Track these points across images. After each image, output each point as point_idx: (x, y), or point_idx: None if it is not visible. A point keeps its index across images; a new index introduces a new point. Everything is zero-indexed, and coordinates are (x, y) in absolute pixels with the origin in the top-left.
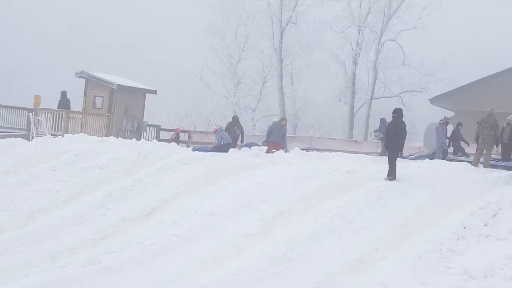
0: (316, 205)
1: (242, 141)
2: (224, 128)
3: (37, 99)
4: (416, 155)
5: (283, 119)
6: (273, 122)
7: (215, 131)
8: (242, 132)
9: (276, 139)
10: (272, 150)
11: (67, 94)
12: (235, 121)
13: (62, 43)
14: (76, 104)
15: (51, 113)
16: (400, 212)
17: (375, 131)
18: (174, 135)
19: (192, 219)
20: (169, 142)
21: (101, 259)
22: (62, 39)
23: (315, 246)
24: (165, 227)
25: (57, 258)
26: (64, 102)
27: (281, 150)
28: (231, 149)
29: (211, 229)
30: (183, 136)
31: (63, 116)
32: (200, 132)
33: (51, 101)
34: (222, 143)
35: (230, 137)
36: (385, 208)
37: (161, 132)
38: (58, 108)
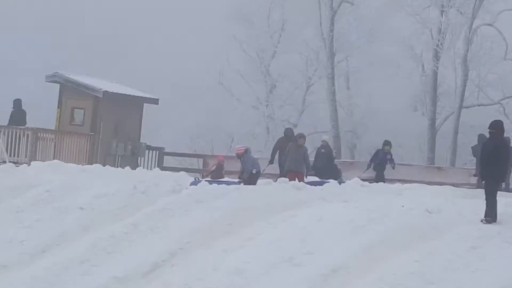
0: (383, 258)
1: None
2: (273, 146)
3: None
4: None
5: (301, 136)
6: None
7: (242, 154)
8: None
9: (293, 165)
10: None
11: (23, 103)
12: (288, 136)
13: (28, 36)
14: (47, 118)
15: (11, 132)
16: (504, 267)
17: None
18: (215, 166)
19: (210, 279)
20: (206, 175)
21: None
22: (28, 31)
23: None
24: None
25: None
26: (18, 115)
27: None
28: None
29: None
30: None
31: (30, 136)
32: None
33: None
34: (254, 171)
35: (285, 158)
36: (482, 262)
37: (165, 157)
38: (9, 123)
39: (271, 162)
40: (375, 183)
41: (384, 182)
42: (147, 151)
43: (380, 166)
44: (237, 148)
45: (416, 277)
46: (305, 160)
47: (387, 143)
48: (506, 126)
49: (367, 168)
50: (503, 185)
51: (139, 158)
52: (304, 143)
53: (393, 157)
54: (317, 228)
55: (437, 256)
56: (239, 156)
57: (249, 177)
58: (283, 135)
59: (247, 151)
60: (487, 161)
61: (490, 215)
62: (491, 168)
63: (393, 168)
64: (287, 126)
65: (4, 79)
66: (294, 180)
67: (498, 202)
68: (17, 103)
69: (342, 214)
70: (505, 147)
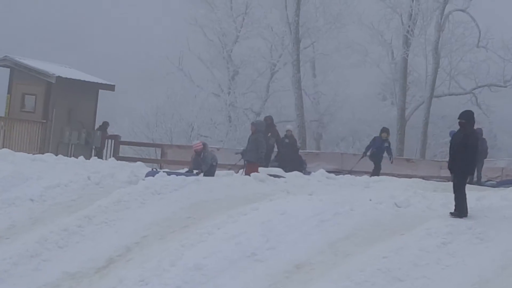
0: (350, 254)
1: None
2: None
3: None
4: (498, 180)
5: (251, 123)
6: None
7: (201, 150)
8: (278, 141)
9: (251, 156)
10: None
11: None
12: (268, 123)
13: None
14: None
15: None
16: (474, 264)
17: None
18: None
19: (168, 275)
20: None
21: None
22: None
23: None
24: None
25: None
26: None
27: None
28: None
29: None
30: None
31: None
32: (178, 146)
33: None
34: (214, 163)
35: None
36: (452, 258)
37: (121, 146)
38: None
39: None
40: (341, 175)
41: (378, 174)
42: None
43: (376, 154)
44: (195, 145)
45: (383, 274)
46: (257, 149)
47: (384, 130)
48: (477, 117)
49: (362, 157)
50: (475, 178)
51: (94, 147)
52: (255, 132)
53: (391, 145)
54: (280, 222)
55: (406, 252)
56: (198, 153)
57: (208, 169)
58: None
59: (205, 146)
60: (455, 153)
61: (460, 210)
62: (459, 160)
63: (391, 161)
64: (251, 116)
65: None
66: (252, 170)
67: (469, 196)
68: None
69: (306, 208)
70: (474, 139)
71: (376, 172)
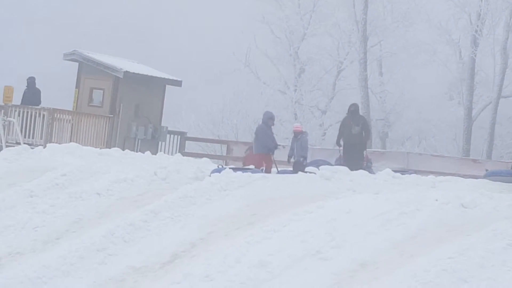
0: (415, 254)
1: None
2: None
3: (8, 91)
4: None
5: (267, 115)
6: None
7: (300, 132)
8: (367, 132)
9: (260, 148)
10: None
11: (37, 82)
12: (353, 111)
13: (46, 13)
14: (64, 98)
15: (26, 112)
16: None
17: None
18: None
19: (232, 271)
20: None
21: None
22: (46, 8)
23: None
24: (193, 284)
25: None
26: (31, 94)
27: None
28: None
29: (260, 286)
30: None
31: (46, 117)
32: (244, 143)
33: None
34: (302, 159)
35: (350, 140)
36: None
37: (187, 142)
38: (22, 102)
39: (337, 144)
40: (407, 175)
41: None
42: (168, 135)
43: None
44: (295, 126)
45: (449, 275)
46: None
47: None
48: None
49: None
50: None
51: (160, 142)
52: (272, 125)
53: None
54: (345, 221)
55: (472, 253)
56: (296, 135)
57: (298, 164)
58: (346, 113)
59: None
60: None
61: None
62: None
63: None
64: (316, 114)
65: (19, 56)
66: (261, 162)
67: None
68: (31, 81)
69: (372, 207)
70: None
71: None
